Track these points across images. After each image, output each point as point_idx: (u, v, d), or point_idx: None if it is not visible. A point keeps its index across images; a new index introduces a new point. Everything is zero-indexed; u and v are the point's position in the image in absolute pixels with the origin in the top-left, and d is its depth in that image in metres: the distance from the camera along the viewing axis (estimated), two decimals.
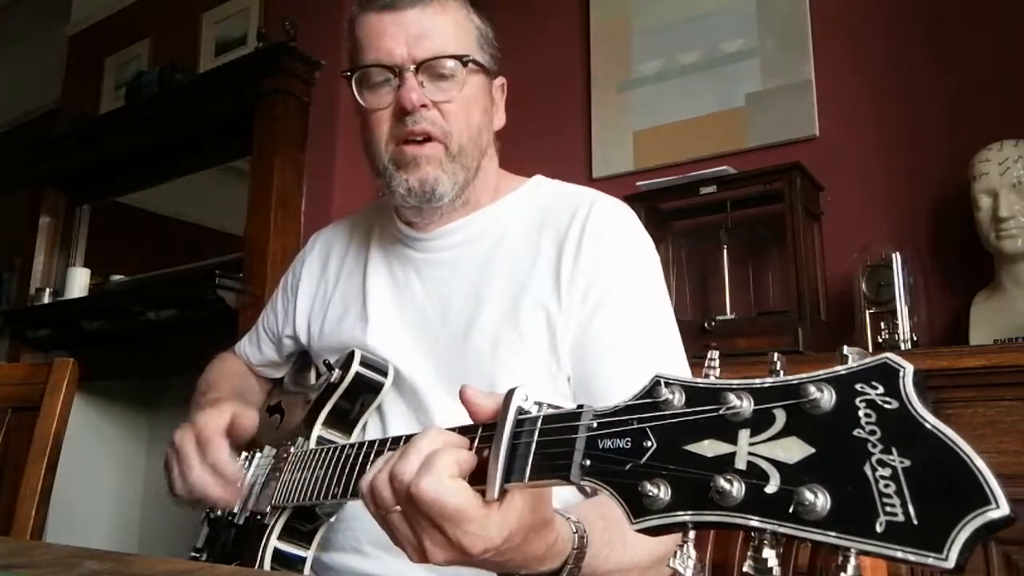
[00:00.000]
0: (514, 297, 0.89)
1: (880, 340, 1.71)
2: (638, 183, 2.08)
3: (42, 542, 1.05)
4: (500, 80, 1.00)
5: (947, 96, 1.90)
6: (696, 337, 1.79)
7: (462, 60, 0.90)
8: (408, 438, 0.63)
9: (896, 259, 1.72)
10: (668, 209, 2.09)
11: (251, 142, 2.56)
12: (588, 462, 0.46)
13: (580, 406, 0.50)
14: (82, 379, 1.26)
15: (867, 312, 1.75)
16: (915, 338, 1.68)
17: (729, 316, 1.94)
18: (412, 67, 0.88)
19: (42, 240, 3.23)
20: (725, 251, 2.02)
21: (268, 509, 0.82)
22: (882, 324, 1.72)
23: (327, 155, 2.53)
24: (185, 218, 3.29)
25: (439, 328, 0.93)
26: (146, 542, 3.07)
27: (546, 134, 2.47)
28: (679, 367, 0.86)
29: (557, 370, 0.87)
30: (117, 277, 3.07)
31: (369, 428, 0.93)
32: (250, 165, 2.58)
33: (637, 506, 0.42)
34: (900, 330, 1.68)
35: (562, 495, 0.77)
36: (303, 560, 0.83)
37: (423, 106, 0.88)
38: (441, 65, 0.89)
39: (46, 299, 3.05)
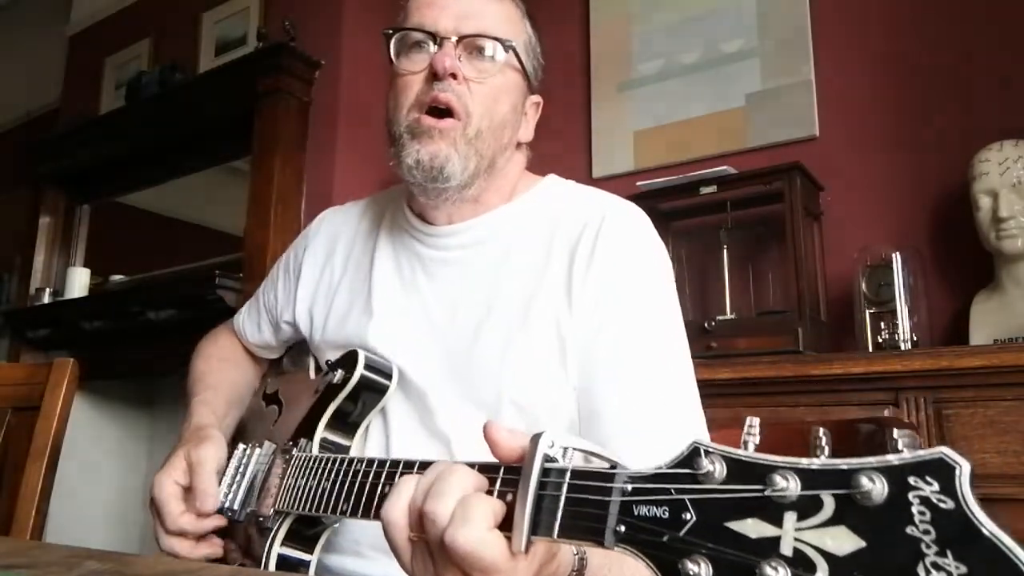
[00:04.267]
0: (525, 302, 0.88)
1: (880, 340, 1.71)
2: (638, 183, 2.08)
3: (42, 542, 1.05)
4: (537, 98, 0.99)
5: (947, 96, 1.90)
6: (696, 337, 1.79)
7: (504, 44, 0.89)
8: (425, 464, 0.63)
9: (896, 259, 1.72)
10: (668, 209, 2.09)
11: (251, 142, 2.56)
12: (622, 528, 0.45)
13: (613, 466, 0.49)
14: (82, 379, 1.26)
15: (867, 312, 1.75)
16: (915, 338, 1.69)
17: (729, 316, 1.94)
18: (454, 38, 0.87)
19: (42, 240, 3.23)
20: (725, 251, 2.03)
21: (271, 513, 0.82)
22: (882, 324, 1.72)
23: (327, 155, 2.53)
24: (185, 218, 3.29)
25: (447, 329, 0.91)
26: (146, 542, 3.07)
27: (546, 134, 2.45)
28: (686, 386, 0.84)
29: (564, 379, 0.85)
30: (117, 277, 3.07)
31: (372, 430, 0.92)
32: (250, 165, 2.58)
33: None
34: (900, 330, 1.68)
35: None
36: (307, 564, 0.82)
37: (453, 76, 0.86)
38: (482, 44, 0.88)
39: (46, 299, 3.05)
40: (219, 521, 0.85)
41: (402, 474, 0.65)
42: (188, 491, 0.85)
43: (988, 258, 1.72)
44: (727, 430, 0.88)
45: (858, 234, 1.91)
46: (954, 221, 1.83)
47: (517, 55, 0.91)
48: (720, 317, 1.89)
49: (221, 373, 1.11)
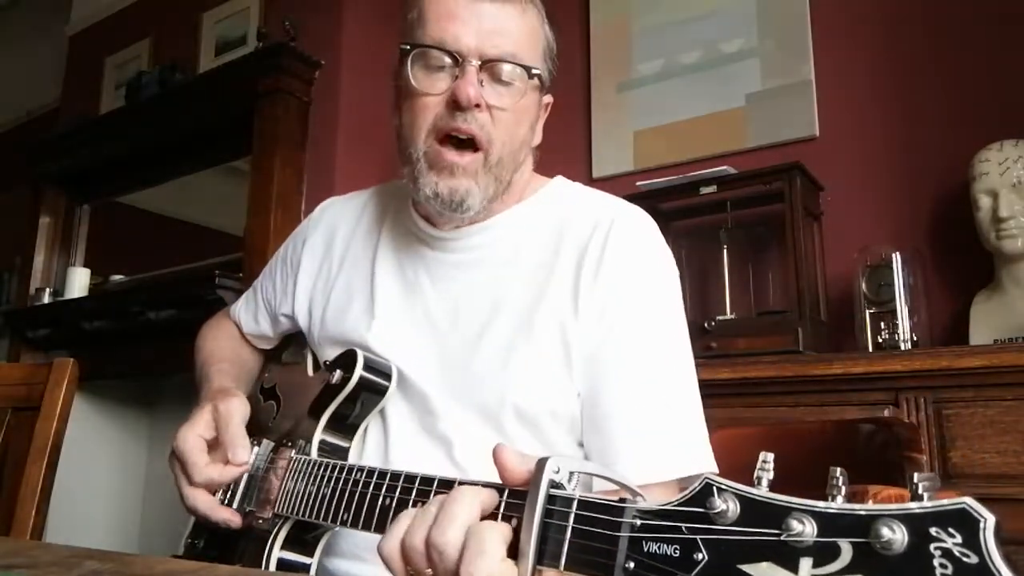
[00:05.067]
0: (529, 307, 0.87)
1: (880, 340, 1.71)
2: (638, 183, 2.08)
3: (42, 542, 1.05)
4: (548, 98, 0.97)
5: (947, 96, 1.90)
6: (696, 337, 1.78)
7: (529, 72, 0.86)
8: (427, 479, 0.62)
9: (896, 259, 1.72)
10: (668, 209, 2.09)
11: (251, 142, 2.56)
12: (632, 565, 0.44)
13: (622, 500, 0.48)
14: (82, 379, 1.25)
15: (867, 312, 1.75)
16: (915, 338, 1.69)
17: (729, 316, 1.94)
18: (477, 62, 0.83)
19: (42, 240, 3.23)
20: (725, 251, 2.03)
21: (270, 516, 0.82)
22: (882, 324, 1.72)
23: (327, 155, 2.53)
24: (185, 218, 3.29)
25: (449, 332, 0.90)
26: (146, 542, 3.07)
27: (546, 134, 2.46)
28: (690, 394, 0.84)
29: (569, 385, 0.85)
30: (117, 277, 3.07)
31: (370, 432, 0.91)
32: (250, 165, 2.58)
33: None
34: (900, 330, 1.68)
35: None
36: (307, 567, 0.82)
37: (477, 106, 0.83)
38: (506, 70, 0.85)
39: (46, 299, 3.05)
40: (245, 469, 0.84)
41: (402, 490, 0.64)
42: (212, 445, 0.85)
43: (988, 258, 1.71)
44: (725, 430, 0.88)
45: (858, 234, 1.91)
46: (954, 221, 1.83)
47: (540, 77, 0.89)
48: (720, 317, 1.89)
49: (231, 351, 1.11)
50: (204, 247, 2.94)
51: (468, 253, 0.93)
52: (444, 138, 0.85)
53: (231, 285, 2.39)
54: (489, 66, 0.84)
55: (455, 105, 0.83)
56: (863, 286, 1.77)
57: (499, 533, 0.51)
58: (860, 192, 1.98)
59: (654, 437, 0.79)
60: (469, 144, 0.85)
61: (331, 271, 1.04)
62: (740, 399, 1.63)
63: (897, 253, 1.73)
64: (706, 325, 1.83)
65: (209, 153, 2.88)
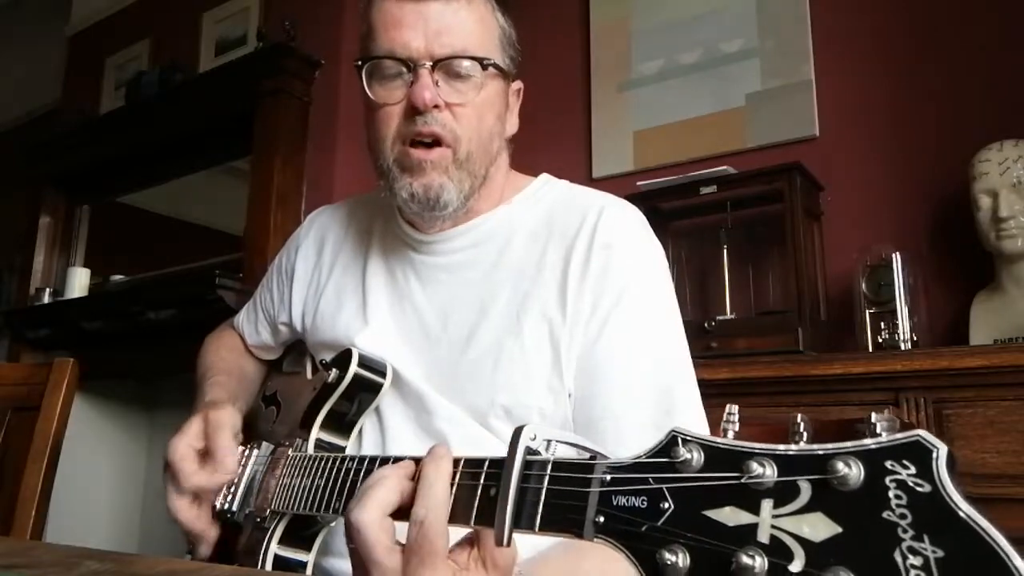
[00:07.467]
0: (518, 307, 0.87)
1: (880, 340, 1.71)
2: (638, 183, 2.08)
3: (42, 542, 1.05)
4: (517, 84, 0.96)
5: (947, 96, 1.90)
6: (696, 337, 1.79)
7: (482, 63, 0.86)
8: (416, 459, 0.63)
9: (896, 259, 1.72)
10: (668, 209, 2.09)
11: (251, 142, 2.56)
12: (601, 519, 0.45)
13: (592, 456, 0.48)
14: (82, 379, 1.26)
15: (867, 312, 1.75)
16: (915, 338, 1.68)
17: (729, 316, 1.93)
18: (428, 64, 0.83)
19: (42, 240, 3.24)
20: (725, 251, 2.02)
21: (267, 513, 0.82)
22: (882, 324, 1.72)
23: (327, 155, 2.53)
24: (185, 218, 3.29)
25: (439, 335, 0.90)
26: (146, 542, 3.07)
27: (546, 134, 2.47)
28: (687, 389, 0.84)
29: (560, 386, 0.84)
30: (117, 277, 3.07)
31: (367, 430, 0.91)
32: (250, 165, 2.59)
33: (653, 573, 0.41)
34: (900, 330, 1.68)
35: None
36: (303, 565, 0.82)
37: (435, 107, 0.83)
38: (459, 66, 0.85)
39: (46, 299, 3.05)
40: (233, 477, 0.85)
41: None
42: (202, 455, 0.85)
43: (988, 258, 1.71)
44: None
45: (858, 234, 1.91)
46: (954, 221, 1.83)
47: (496, 65, 0.88)
48: (720, 317, 1.89)
49: (231, 362, 1.11)
50: (204, 247, 2.95)
51: (454, 255, 0.94)
52: (410, 143, 0.85)
53: (231, 285, 2.39)
54: (442, 65, 0.84)
55: (414, 111, 0.84)
56: (863, 286, 1.77)
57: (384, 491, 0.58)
58: (860, 192, 1.98)
59: (653, 432, 0.79)
60: (435, 143, 0.85)
61: (321, 277, 1.05)
62: (740, 399, 1.62)
63: (897, 253, 1.73)
64: (706, 325, 1.83)
65: (209, 153, 2.89)
